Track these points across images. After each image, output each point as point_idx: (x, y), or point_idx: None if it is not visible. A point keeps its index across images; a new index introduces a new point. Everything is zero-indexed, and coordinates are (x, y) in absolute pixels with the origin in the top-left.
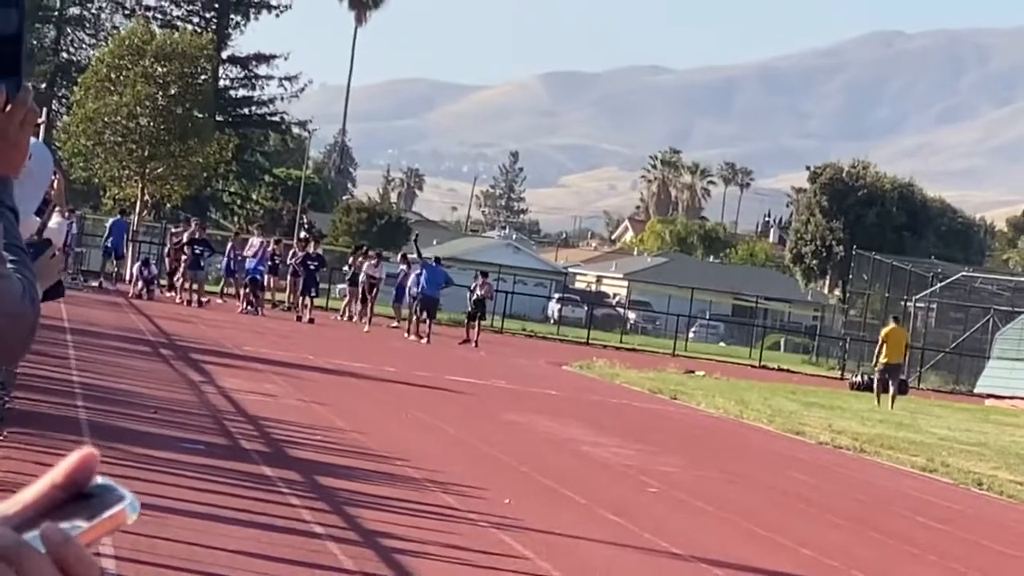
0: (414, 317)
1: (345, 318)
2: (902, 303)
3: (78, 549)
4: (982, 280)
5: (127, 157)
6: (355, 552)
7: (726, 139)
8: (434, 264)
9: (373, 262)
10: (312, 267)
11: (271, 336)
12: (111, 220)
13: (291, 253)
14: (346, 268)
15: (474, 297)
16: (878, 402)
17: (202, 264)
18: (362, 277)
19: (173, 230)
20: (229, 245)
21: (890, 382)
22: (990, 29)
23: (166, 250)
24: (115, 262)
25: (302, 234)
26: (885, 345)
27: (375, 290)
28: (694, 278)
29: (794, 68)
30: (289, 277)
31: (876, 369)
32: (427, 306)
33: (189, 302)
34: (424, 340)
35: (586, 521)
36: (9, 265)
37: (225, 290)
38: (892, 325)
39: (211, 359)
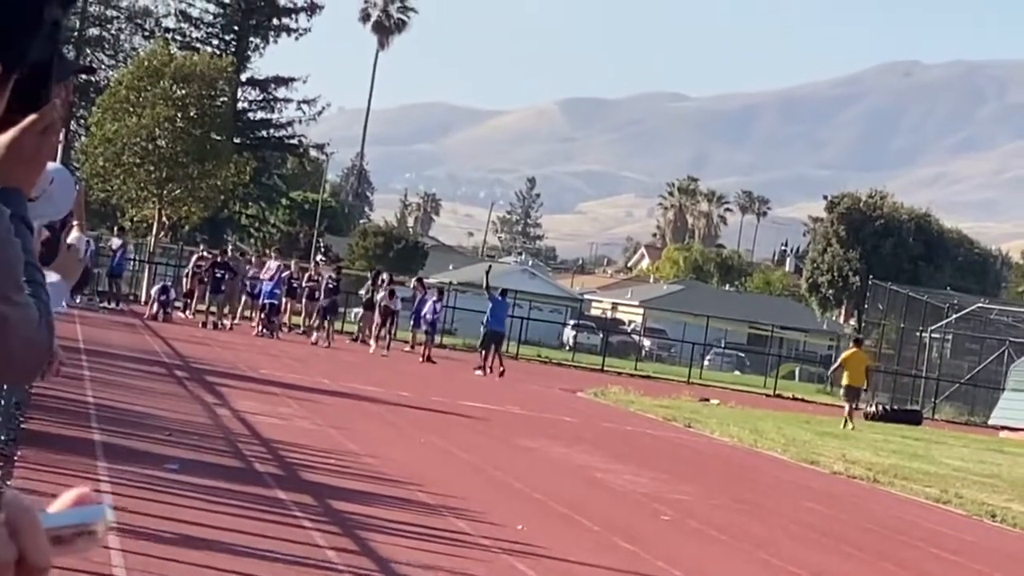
0: (429, 341)
1: (359, 341)
2: (917, 334)
3: (35, 523)
4: (998, 312)
5: (145, 179)
6: None
7: (744, 167)
8: (500, 297)
9: (387, 292)
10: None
11: (286, 359)
12: (117, 242)
13: (307, 276)
14: (362, 292)
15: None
16: (846, 424)
17: (223, 288)
18: (378, 304)
19: (205, 254)
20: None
21: (849, 404)
22: (1008, 60)
23: (186, 271)
24: (113, 281)
25: (318, 257)
26: (845, 368)
27: (393, 319)
28: (710, 306)
29: (812, 97)
30: (304, 300)
31: (843, 393)
32: (494, 340)
33: (204, 324)
34: (485, 373)
35: (599, 548)
36: (27, 290)
37: (241, 312)
38: (853, 348)
39: (226, 381)
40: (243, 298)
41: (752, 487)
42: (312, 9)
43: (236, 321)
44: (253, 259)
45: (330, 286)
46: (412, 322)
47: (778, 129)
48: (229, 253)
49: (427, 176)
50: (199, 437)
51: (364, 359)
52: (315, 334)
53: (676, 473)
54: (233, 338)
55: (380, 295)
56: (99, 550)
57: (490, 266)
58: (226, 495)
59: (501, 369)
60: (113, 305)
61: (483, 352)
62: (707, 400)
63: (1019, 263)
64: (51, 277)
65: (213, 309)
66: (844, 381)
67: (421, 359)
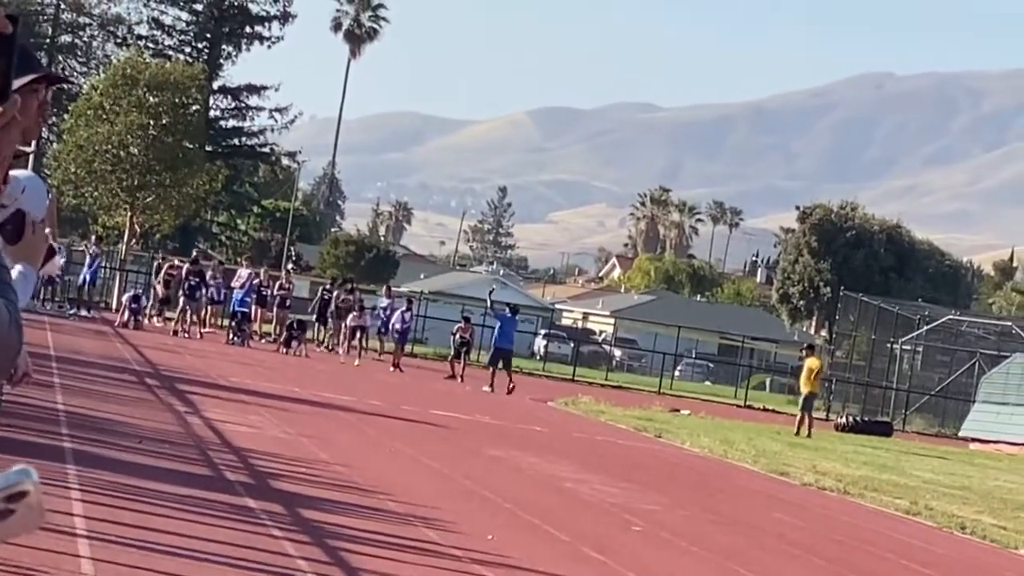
0: (399, 350)
1: (330, 349)
2: (888, 345)
3: None
4: (969, 323)
5: (117, 186)
6: None
7: (715, 178)
8: (509, 314)
9: (356, 313)
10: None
11: (257, 367)
12: (94, 251)
13: (277, 284)
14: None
15: (457, 339)
16: (799, 431)
17: (197, 295)
18: (348, 321)
19: (176, 262)
20: (209, 274)
21: (808, 410)
22: (981, 72)
23: (157, 279)
24: (87, 289)
25: (289, 266)
26: (815, 376)
27: (364, 332)
28: (681, 316)
29: (784, 108)
30: (276, 308)
31: (802, 399)
32: (503, 357)
33: (175, 331)
34: (492, 390)
35: (569, 559)
36: None
37: (213, 320)
38: (812, 356)
39: (197, 389)
40: (209, 306)
41: (722, 498)
42: (285, 17)
43: (207, 329)
44: (210, 267)
45: (325, 298)
46: (382, 330)
47: (750, 140)
48: (195, 258)
49: (399, 185)
50: (170, 445)
51: (335, 368)
52: (297, 346)
53: (646, 483)
54: (204, 346)
55: (352, 315)
56: (69, 558)
57: (492, 288)
58: (196, 503)
59: (511, 385)
60: (84, 312)
61: (492, 369)
62: (678, 410)
63: (990, 275)
64: (17, 267)
65: (186, 317)
66: (807, 389)
67: (391, 368)
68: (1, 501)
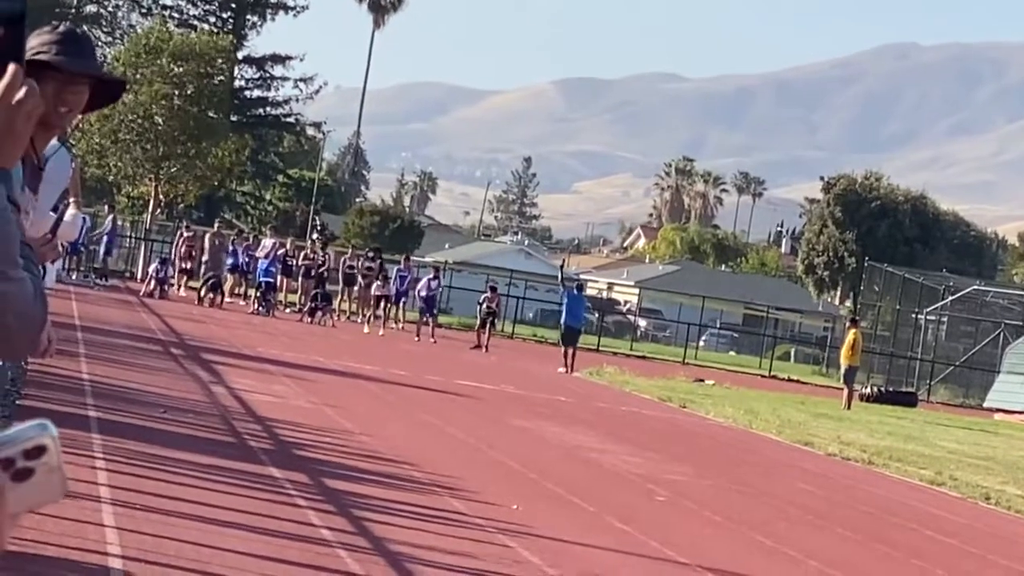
0: (428, 320)
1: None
2: (913, 316)
3: None
4: (994, 294)
5: (141, 156)
6: (362, 556)
7: (740, 148)
8: (576, 292)
9: (380, 283)
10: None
11: (282, 337)
12: (109, 218)
13: (302, 254)
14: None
15: (483, 308)
16: (849, 405)
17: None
18: (373, 290)
19: (187, 233)
20: (232, 244)
21: (851, 386)
22: (1005, 43)
23: (180, 247)
24: (104, 258)
25: (314, 236)
26: (855, 349)
27: (387, 303)
28: (705, 287)
29: (808, 79)
30: (300, 279)
31: (847, 376)
32: (571, 337)
33: (200, 301)
34: (568, 371)
35: (593, 528)
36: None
37: (235, 290)
38: (857, 328)
39: (221, 359)
40: (230, 276)
41: (747, 468)
42: None
43: (229, 299)
44: (266, 241)
45: (320, 264)
46: (399, 299)
47: (774, 111)
48: (215, 228)
49: (423, 155)
50: (194, 414)
51: (359, 338)
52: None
53: (671, 454)
54: (229, 316)
55: (376, 284)
56: (94, 527)
57: (563, 260)
58: (220, 472)
59: (570, 367)
60: (103, 282)
61: (565, 349)
62: (702, 381)
63: (1015, 245)
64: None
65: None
66: (851, 362)
67: (416, 337)
68: (19, 457)
